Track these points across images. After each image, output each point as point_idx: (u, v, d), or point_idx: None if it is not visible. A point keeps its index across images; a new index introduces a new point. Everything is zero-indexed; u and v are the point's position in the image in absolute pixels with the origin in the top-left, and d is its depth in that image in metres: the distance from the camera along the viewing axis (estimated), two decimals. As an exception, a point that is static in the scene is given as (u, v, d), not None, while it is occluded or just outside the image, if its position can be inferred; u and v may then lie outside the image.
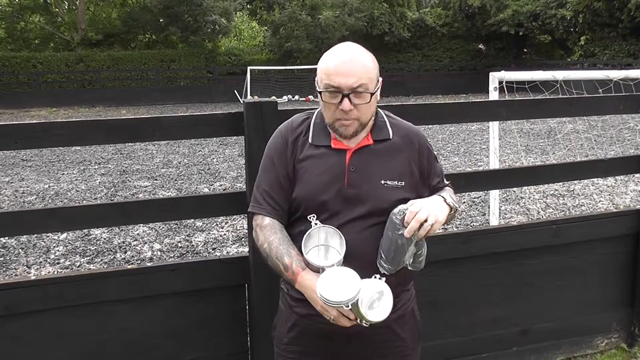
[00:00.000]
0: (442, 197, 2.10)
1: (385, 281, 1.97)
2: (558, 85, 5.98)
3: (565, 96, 3.75)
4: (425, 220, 1.96)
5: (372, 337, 2.14)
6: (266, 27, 35.23)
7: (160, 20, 34.06)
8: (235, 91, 29.88)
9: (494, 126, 6.08)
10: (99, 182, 10.65)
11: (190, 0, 31.83)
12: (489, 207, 6.79)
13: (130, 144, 15.04)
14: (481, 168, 10.53)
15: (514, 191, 8.65)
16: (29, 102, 28.93)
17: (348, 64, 2.03)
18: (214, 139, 15.30)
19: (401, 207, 2.02)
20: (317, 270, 1.99)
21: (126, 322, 2.85)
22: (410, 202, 2.03)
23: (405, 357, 2.24)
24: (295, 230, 2.15)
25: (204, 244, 6.83)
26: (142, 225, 7.45)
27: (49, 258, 6.47)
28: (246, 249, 5.55)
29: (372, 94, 2.06)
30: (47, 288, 2.71)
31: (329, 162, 2.12)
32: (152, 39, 36.36)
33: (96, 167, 12.37)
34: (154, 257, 6.44)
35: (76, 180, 10.97)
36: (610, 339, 3.89)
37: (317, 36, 31.91)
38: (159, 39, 35.93)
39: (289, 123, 2.26)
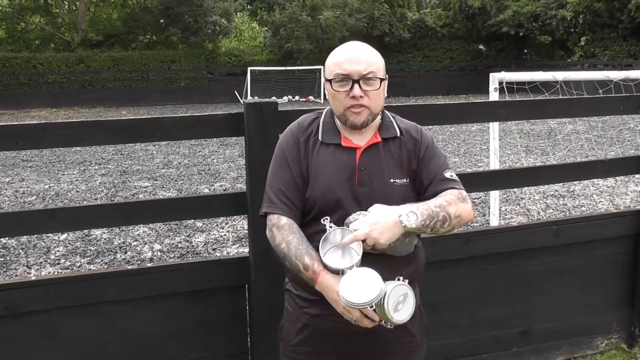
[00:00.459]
0: (405, 213, 1.99)
1: (399, 274, 1.98)
2: (558, 86, 5.99)
3: (566, 97, 3.75)
4: (364, 240, 1.95)
5: (384, 334, 2.14)
6: (266, 28, 35.25)
7: (161, 21, 34.07)
8: (236, 92, 29.88)
9: (494, 127, 6.09)
10: (99, 183, 10.65)
11: (190, 1, 31.83)
12: (489, 208, 6.80)
13: (130, 144, 15.04)
14: (481, 169, 10.53)
15: (514, 192, 8.65)
16: (29, 103, 28.91)
17: (357, 52, 2.10)
18: (214, 139, 15.32)
19: (354, 215, 2.02)
20: (337, 272, 1.98)
21: (126, 323, 2.85)
22: (361, 214, 2.01)
23: (414, 353, 2.26)
24: (311, 230, 2.15)
25: (204, 245, 6.83)
26: (142, 225, 7.45)
27: (49, 258, 6.47)
28: (246, 250, 5.55)
29: (381, 80, 2.10)
30: (47, 288, 2.71)
31: (339, 161, 2.14)
32: (153, 40, 36.35)
33: (96, 167, 12.37)
34: (154, 258, 6.44)
35: (76, 180, 10.97)
36: (611, 339, 3.89)
37: (317, 37, 31.92)
38: (160, 40, 35.93)
39: (299, 123, 2.27)
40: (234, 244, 6.82)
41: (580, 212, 7.66)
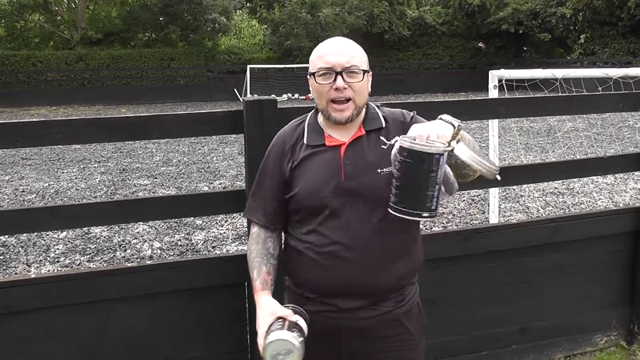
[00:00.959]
0: (440, 119, 1.99)
1: (395, 268, 2.03)
2: (557, 84, 5.98)
3: (565, 94, 3.75)
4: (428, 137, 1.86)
5: (381, 332, 2.15)
6: (266, 26, 35.18)
7: (160, 18, 34.02)
8: (235, 90, 29.86)
9: (493, 124, 6.09)
10: (99, 181, 10.65)
11: (190, -2, 31.84)
12: (488, 205, 6.80)
13: (130, 142, 15.04)
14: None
15: (514, 189, 8.65)
16: (28, 101, 28.91)
17: (339, 45, 2.12)
18: (214, 137, 15.31)
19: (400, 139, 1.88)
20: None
21: (126, 320, 2.86)
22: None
23: (412, 351, 2.26)
24: (303, 229, 2.19)
25: (204, 242, 6.83)
26: (141, 223, 7.45)
27: (49, 256, 6.48)
28: (246, 247, 5.56)
29: (364, 72, 2.10)
30: (47, 286, 2.71)
31: (324, 160, 2.15)
32: (152, 38, 36.32)
33: (96, 165, 12.37)
34: (154, 256, 6.44)
35: (76, 178, 10.97)
36: (610, 336, 3.90)
37: (317, 34, 31.84)
38: (159, 38, 35.89)
39: (287, 128, 2.31)
40: (234, 241, 6.82)
41: (579, 209, 7.67)
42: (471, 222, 7.26)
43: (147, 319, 2.89)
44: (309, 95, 28.85)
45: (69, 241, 6.96)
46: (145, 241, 6.93)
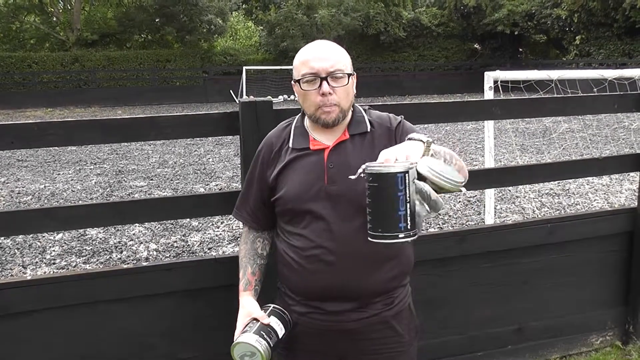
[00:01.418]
0: (409, 138, 1.95)
1: (382, 271, 2.03)
2: (553, 85, 6.00)
3: (560, 95, 3.77)
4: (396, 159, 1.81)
5: (370, 334, 2.15)
6: (262, 27, 35.22)
7: (156, 20, 34.02)
8: (231, 91, 29.86)
9: (489, 125, 6.10)
10: (95, 182, 10.64)
11: (185, 0, 31.79)
12: (484, 206, 6.81)
13: (125, 144, 15.03)
14: (477, 167, 10.54)
15: (510, 190, 8.67)
16: (24, 102, 28.88)
17: (322, 50, 2.11)
18: (210, 138, 15.30)
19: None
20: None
21: (122, 322, 2.85)
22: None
23: (401, 353, 2.25)
24: (289, 233, 2.20)
25: (200, 244, 6.83)
26: (137, 225, 7.45)
27: (44, 258, 6.47)
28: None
29: (349, 75, 2.11)
30: (43, 288, 2.71)
31: (308, 164, 2.15)
32: (148, 39, 36.30)
33: (92, 167, 12.36)
34: (150, 257, 6.44)
35: (72, 180, 10.96)
36: (605, 336, 3.91)
37: (313, 36, 31.86)
38: (155, 39, 35.88)
39: (274, 130, 2.32)
40: (230, 243, 6.82)
41: (575, 210, 7.68)
42: (467, 223, 7.27)
43: (143, 320, 2.89)
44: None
45: (65, 243, 6.95)
46: (142, 243, 6.92)
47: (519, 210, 7.77)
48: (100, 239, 7.08)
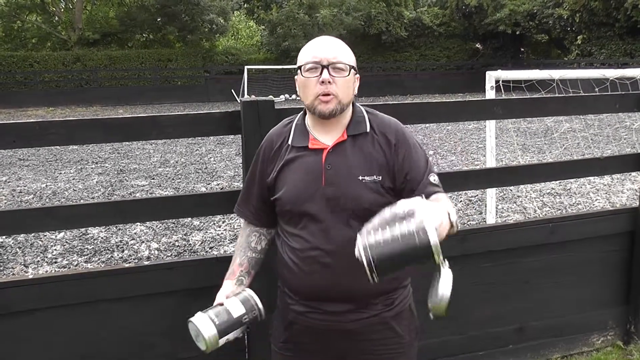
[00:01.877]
0: (443, 202, 1.97)
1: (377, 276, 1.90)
2: (554, 85, 6.00)
3: (562, 95, 3.76)
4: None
5: (369, 334, 2.15)
6: (263, 27, 35.22)
7: (158, 19, 34.03)
8: (233, 90, 29.85)
9: (490, 125, 6.09)
10: (96, 182, 10.64)
11: (187, -1, 31.84)
12: (485, 206, 6.81)
13: (127, 143, 15.03)
14: (478, 167, 10.54)
15: (511, 190, 8.66)
16: (25, 102, 28.89)
17: (326, 42, 2.13)
18: (211, 138, 15.30)
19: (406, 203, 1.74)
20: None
21: (123, 321, 2.86)
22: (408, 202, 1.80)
23: (401, 355, 2.25)
24: (287, 233, 2.21)
25: (201, 243, 6.83)
26: (139, 224, 7.45)
27: (46, 257, 6.47)
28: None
29: (350, 68, 2.11)
30: (44, 287, 2.71)
31: (306, 164, 2.14)
32: (150, 39, 36.32)
33: (93, 166, 12.36)
34: (151, 256, 6.44)
35: (73, 179, 10.97)
36: (606, 336, 3.91)
37: (314, 35, 31.31)
38: (156, 39, 35.89)
39: (276, 127, 2.32)
40: (231, 242, 6.82)
41: (576, 210, 7.68)
42: (468, 222, 7.27)
43: (144, 320, 2.89)
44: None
45: (67, 242, 6.95)
46: (143, 242, 6.93)
47: (520, 209, 7.77)
48: (102, 238, 7.08)
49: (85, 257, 6.46)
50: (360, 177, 2.10)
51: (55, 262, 6.30)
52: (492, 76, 5.65)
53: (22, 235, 7.03)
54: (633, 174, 9.05)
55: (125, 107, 28.77)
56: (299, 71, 2.13)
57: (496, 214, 6.81)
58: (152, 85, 31.55)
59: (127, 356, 2.89)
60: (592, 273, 3.78)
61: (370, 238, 1.68)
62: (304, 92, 2.14)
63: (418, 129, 15.35)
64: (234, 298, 2.12)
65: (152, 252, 6.58)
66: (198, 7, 32.04)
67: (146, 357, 2.92)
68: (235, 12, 38.11)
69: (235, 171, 11.16)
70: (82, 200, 9.04)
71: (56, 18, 35.80)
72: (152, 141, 15.00)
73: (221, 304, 2.12)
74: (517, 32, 33.43)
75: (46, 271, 6.03)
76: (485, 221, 6.89)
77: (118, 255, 6.49)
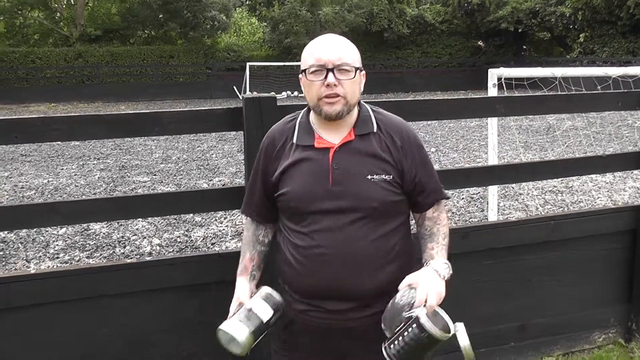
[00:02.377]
0: (435, 270, 2.07)
1: (383, 273, 2.11)
2: (557, 82, 5.99)
3: (564, 93, 3.76)
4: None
5: (369, 333, 2.14)
6: (265, 23, 35.20)
7: (160, 16, 34.03)
8: (235, 87, 29.86)
9: (492, 123, 6.08)
10: (98, 177, 10.65)
11: (189, -4, 31.83)
12: (487, 203, 6.81)
13: (129, 139, 15.04)
14: (480, 164, 10.53)
15: (513, 187, 8.66)
16: (27, 98, 28.93)
17: (331, 43, 2.10)
18: (213, 134, 15.30)
19: (405, 291, 2.00)
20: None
21: (125, 316, 2.86)
22: (408, 282, 2.02)
23: None
24: (291, 231, 2.19)
25: (203, 239, 6.84)
26: (141, 220, 7.46)
27: (48, 252, 6.48)
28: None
29: (356, 70, 2.09)
30: (46, 282, 2.71)
31: (313, 162, 2.13)
32: (151, 35, 36.32)
33: (95, 162, 12.37)
34: (153, 252, 6.45)
35: (75, 175, 10.98)
36: (608, 334, 3.91)
37: (316, 32, 31.73)
38: (158, 35, 35.89)
39: (278, 125, 2.30)
40: (233, 238, 6.83)
41: (578, 207, 7.67)
42: (470, 219, 7.26)
43: (146, 316, 2.90)
44: (308, 93, 28.80)
45: (68, 237, 6.96)
46: (145, 238, 6.93)
47: (522, 207, 7.77)
48: (104, 233, 7.09)
49: (87, 252, 6.46)
50: (369, 176, 2.10)
51: (57, 258, 6.31)
52: (494, 74, 5.64)
53: (24, 230, 7.04)
54: (635, 172, 9.04)
55: (127, 103, 28.78)
56: (303, 73, 2.11)
57: (498, 212, 6.80)
58: (154, 82, 31.60)
59: (128, 352, 2.89)
60: (594, 271, 3.78)
61: (393, 350, 1.94)
62: (308, 94, 2.12)
63: (420, 126, 15.35)
64: (259, 300, 2.09)
65: (154, 248, 6.59)
66: (200, 3, 32.04)
67: (148, 352, 2.92)
68: (237, 8, 38.11)
69: (237, 167, 11.17)
70: (84, 196, 9.05)
71: (58, 14, 35.79)
72: (154, 137, 15.01)
73: (249, 309, 2.08)
74: (520, 30, 33.38)
75: (48, 266, 6.04)
76: (487, 218, 6.88)
77: (120, 251, 6.50)
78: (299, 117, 2.25)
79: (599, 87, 6.67)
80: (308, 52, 2.11)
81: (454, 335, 1.95)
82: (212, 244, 6.69)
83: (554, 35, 34.53)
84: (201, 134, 14.89)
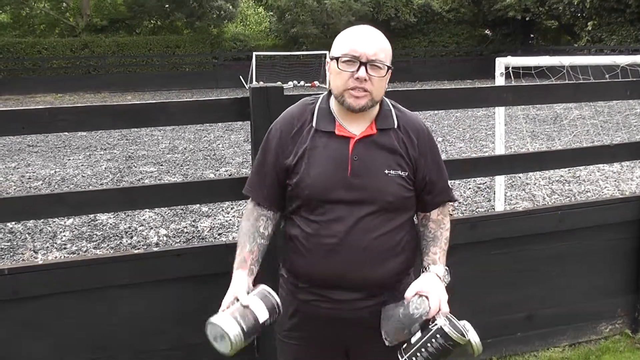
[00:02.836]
0: (438, 276, 2.15)
1: (392, 264, 2.14)
2: (565, 71, 5.96)
3: (572, 82, 3.74)
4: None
5: (372, 322, 2.13)
6: (272, 13, 35.13)
7: (166, 5, 33.95)
8: (241, 77, 29.83)
9: (499, 112, 6.06)
10: (105, 168, 10.68)
11: (195, -14, 31.77)
12: (494, 193, 6.79)
13: (135, 129, 15.05)
14: (487, 154, 10.51)
15: (520, 177, 8.64)
16: (34, 88, 28.93)
17: (370, 36, 2.08)
18: (220, 124, 15.31)
19: (417, 301, 2.04)
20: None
21: (132, 307, 2.87)
22: (416, 290, 2.06)
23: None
24: (301, 219, 2.16)
25: (210, 230, 6.85)
26: (147, 210, 7.47)
27: (55, 243, 6.51)
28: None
29: (388, 68, 2.08)
30: (53, 273, 2.72)
31: (332, 150, 2.11)
32: (158, 25, 36.30)
33: (102, 152, 12.40)
34: (160, 243, 6.46)
35: (82, 165, 11.00)
36: (615, 324, 3.90)
37: (323, 21, 31.81)
38: (164, 25, 35.87)
39: (296, 107, 2.25)
40: (240, 229, 6.83)
41: (585, 197, 7.65)
42: (477, 209, 7.25)
43: (153, 306, 2.90)
44: (315, 82, 28.82)
45: (76, 228, 6.99)
46: (152, 228, 6.95)
47: (529, 197, 7.75)
48: (111, 224, 7.11)
49: (94, 243, 6.49)
50: (387, 171, 2.10)
51: (65, 248, 6.33)
52: (501, 63, 5.61)
53: (31, 221, 7.06)
54: (643, 161, 9.00)
55: (134, 93, 28.80)
56: (334, 59, 2.07)
57: (505, 202, 6.78)
58: (160, 72, 31.60)
59: (136, 342, 2.90)
60: (601, 261, 3.77)
61: None
62: (334, 82, 2.10)
63: (427, 116, 15.31)
64: (257, 299, 1.98)
65: (161, 238, 6.61)
66: (206, -7, 31.99)
67: (155, 342, 2.93)
68: (243, -2, 38.05)
69: (244, 157, 11.17)
70: (90, 187, 9.07)
71: (64, 4, 35.79)
72: (161, 128, 15.02)
73: (245, 306, 1.96)
74: (527, 18, 33.21)
75: (55, 257, 6.06)
76: (494, 208, 6.87)
77: (127, 241, 6.52)
78: (318, 102, 2.22)
79: (607, 76, 6.62)
80: (344, 40, 2.08)
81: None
82: (219, 234, 6.70)
83: (561, 23, 34.34)
84: (208, 124, 14.90)
